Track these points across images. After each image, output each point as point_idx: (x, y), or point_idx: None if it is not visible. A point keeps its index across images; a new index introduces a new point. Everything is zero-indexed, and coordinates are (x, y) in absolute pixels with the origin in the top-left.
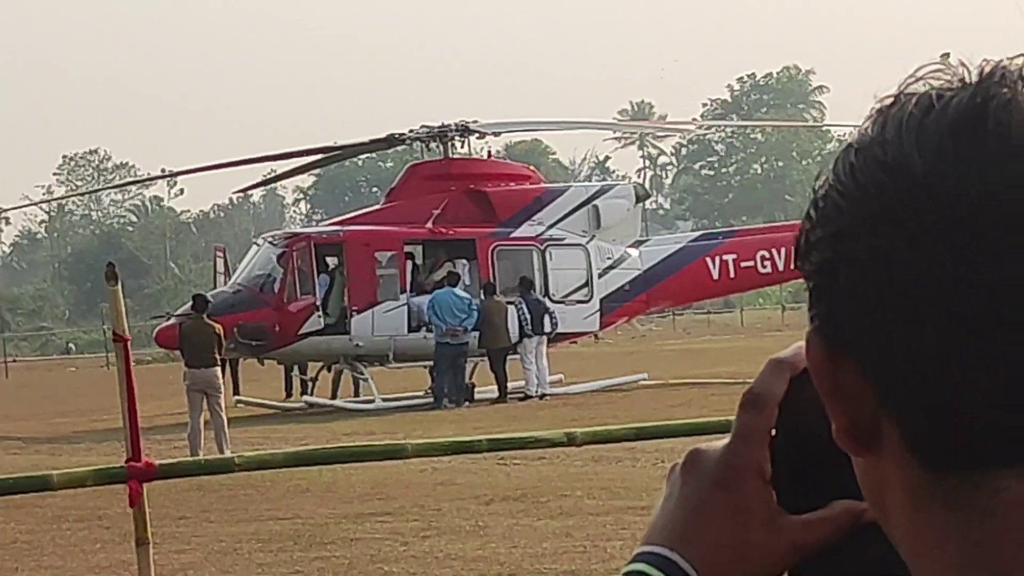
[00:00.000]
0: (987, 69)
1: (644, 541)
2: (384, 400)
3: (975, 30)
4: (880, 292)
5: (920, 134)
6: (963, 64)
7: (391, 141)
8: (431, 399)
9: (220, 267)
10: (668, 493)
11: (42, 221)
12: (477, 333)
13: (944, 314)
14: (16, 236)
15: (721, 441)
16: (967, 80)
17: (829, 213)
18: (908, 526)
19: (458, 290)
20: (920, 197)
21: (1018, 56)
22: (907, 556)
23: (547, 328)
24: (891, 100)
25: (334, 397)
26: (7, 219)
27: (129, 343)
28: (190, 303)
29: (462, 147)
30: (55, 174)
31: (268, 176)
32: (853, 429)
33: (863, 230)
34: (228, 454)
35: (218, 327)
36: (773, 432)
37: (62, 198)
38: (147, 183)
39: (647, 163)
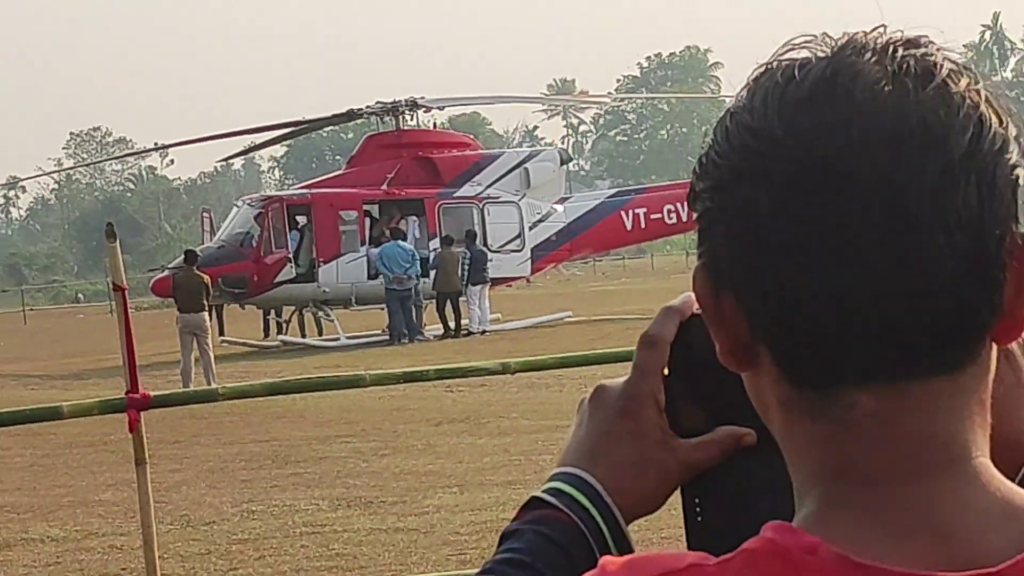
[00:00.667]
0: (842, 41)
1: (559, 463)
2: (347, 338)
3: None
4: (747, 236)
5: (781, 102)
6: (828, 36)
7: (351, 115)
8: (387, 337)
9: (207, 226)
10: (578, 422)
11: (53, 189)
12: (432, 277)
13: (796, 254)
14: (31, 202)
15: (622, 377)
16: (829, 51)
17: (709, 169)
18: (782, 431)
19: (403, 243)
20: (778, 157)
21: (877, 28)
22: (785, 455)
23: (487, 274)
24: (763, 69)
25: (304, 336)
26: (23, 187)
27: (127, 292)
28: (181, 257)
29: (411, 120)
30: (63, 148)
31: (247, 147)
32: (734, 350)
33: (734, 184)
34: (214, 386)
35: (206, 277)
36: (665, 369)
37: (70, 168)
38: (142, 155)
39: (569, 131)
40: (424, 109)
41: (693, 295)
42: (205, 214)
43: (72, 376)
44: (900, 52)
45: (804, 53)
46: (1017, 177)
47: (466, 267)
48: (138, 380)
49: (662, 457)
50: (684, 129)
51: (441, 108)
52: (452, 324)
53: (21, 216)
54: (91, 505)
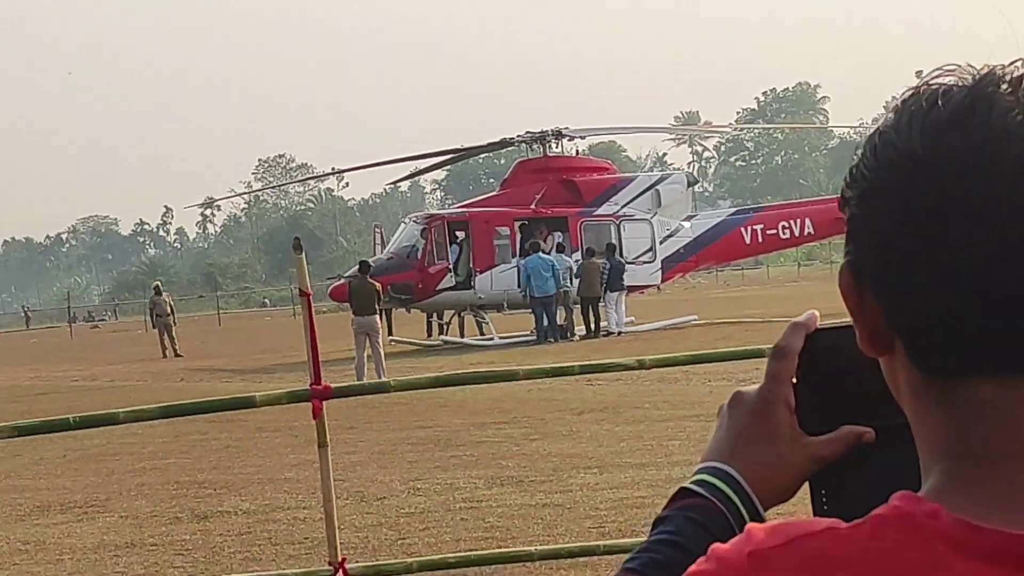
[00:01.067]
0: (983, 72)
1: (704, 459)
2: (500, 338)
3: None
4: (889, 240)
5: (924, 124)
6: (971, 66)
7: (504, 143)
8: (534, 337)
9: (378, 240)
10: (719, 424)
11: (243, 208)
12: (576, 285)
13: (932, 259)
14: (225, 219)
15: (755, 385)
16: (970, 80)
17: (858, 180)
18: (912, 411)
19: (543, 255)
20: (918, 174)
21: (1015, 62)
22: (914, 433)
23: (623, 282)
24: (911, 93)
25: (463, 336)
26: (219, 207)
27: (311, 297)
28: (356, 267)
29: (556, 147)
30: (253, 172)
31: (413, 172)
32: (872, 337)
33: (879, 194)
34: (385, 379)
35: (378, 285)
36: (794, 377)
37: (259, 190)
38: (321, 178)
39: (695, 157)
40: (568, 138)
41: (815, 312)
42: (376, 229)
43: (261, 371)
44: None
45: (949, 80)
46: None
47: (605, 276)
48: (320, 373)
49: (793, 453)
50: (796, 155)
51: (583, 137)
52: (593, 326)
53: (216, 231)
54: (278, 482)
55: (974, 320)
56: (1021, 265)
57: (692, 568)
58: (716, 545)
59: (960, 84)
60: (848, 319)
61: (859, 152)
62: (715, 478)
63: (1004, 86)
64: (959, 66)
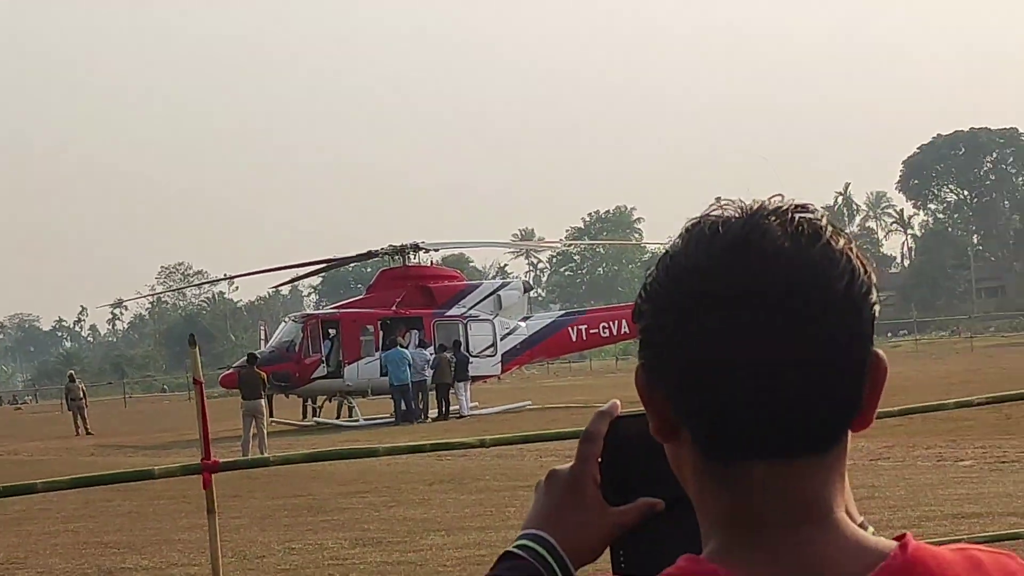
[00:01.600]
0: (754, 206)
1: (524, 527)
2: (365, 420)
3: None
4: (676, 346)
5: (709, 249)
6: (742, 200)
7: (369, 255)
8: (394, 419)
9: (262, 335)
10: (536, 498)
11: (147, 308)
12: (431, 374)
13: (712, 363)
14: (132, 318)
15: (567, 464)
16: (743, 211)
17: (651, 294)
18: (694, 488)
19: (402, 349)
20: (700, 290)
21: (773, 197)
22: (696, 507)
23: (469, 373)
24: (695, 222)
25: (337, 417)
26: (126, 306)
27: (203, 385)
28: (245, 358)
29: (414, 258)
30: (156, 277)
31: (292, 278)
32: (662, 428)
33: (670, 307)
34: (266, 454)
35: (263, 374)
36: (599, 457)
37: (160, 293)
38: (214, 283)
39: (531, 267)
40: (424, 250)
41: (616, 402)
42: (261, 326)
43: (160, 446)
44: (796, 216)
45: (727, 212)
46: (876, 312)
47: (453, 367)
48: (210, 450)
49: (598, 521)
50: (615, 267)
51: (437, 250)
52: (444, 409)
53: (124, 328)
54: (173, 543)
55: (748, 416)
56: (788, 367)
57: None
58: None
59: (736, 216)
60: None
61: (651, 270)
62: (534, 543)
63: (773, 217)
64: (732, 201)
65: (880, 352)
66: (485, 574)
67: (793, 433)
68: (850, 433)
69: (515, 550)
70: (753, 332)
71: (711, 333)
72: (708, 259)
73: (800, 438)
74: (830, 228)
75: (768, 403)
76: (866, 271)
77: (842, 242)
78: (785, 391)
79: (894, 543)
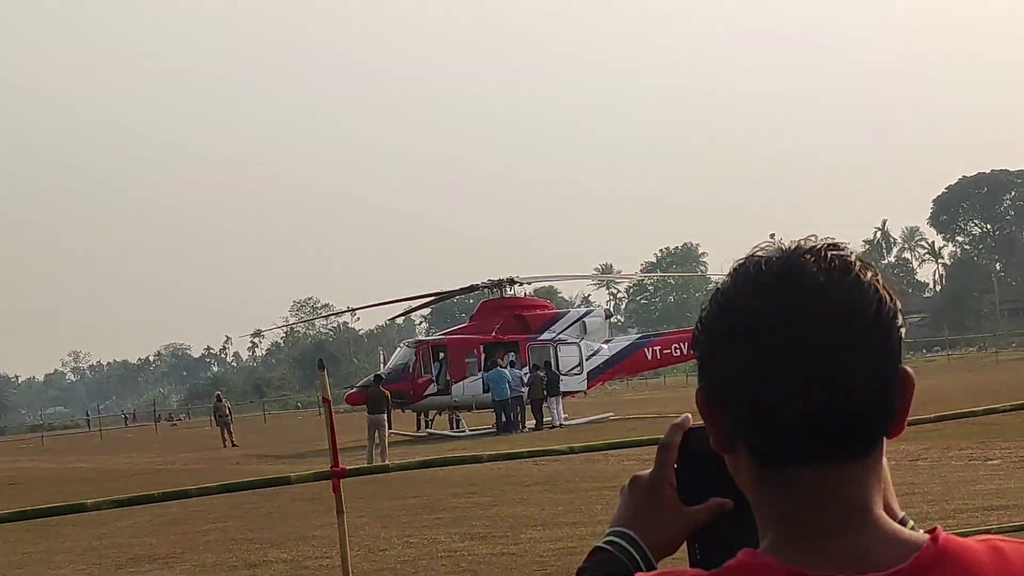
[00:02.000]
0: (792, 246)
1: (611, 525)
2: (471, 431)
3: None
4: (730, 370)
5: (754, 285)
6: (781, 242)
7: (472, 288)
8: (495, 430)
9: (381, 359)
10: (621, 500)
11: (282, 337)
12: (527, 391)
13: (762, 384)
14: (269, 346)
15: (647, 471)
16: (783, 251)
17: (706, 326)
18: (752, 494)
19: (502, 370)
20: (746, 322)
21: (807, 238)
22: (753, 509)
23: (560, 389)
24: (741, 262)
25: (451, 428)
26: (264, 336)
27: (331, 402)
28: (371, 378)
29: (510, 290)
30: (289, 311)
31: (406, 310)
32: (721, 442)
33: (722, 337)
34: (387, 462)
35: (386, 392)
36: (675, 464)
37: (293, 324)
38: (339, 315)
39: (611, 297)
40: (519, 283)
41: (688, 415)
42: (380, 352)
43: (295, 456)
44: (828, 253)
45: (768, 252)
46: (902, 334)
47: (546, 384)
48: (338, 458)
49: (675, 519)
50: (684, 295)
51: (529, 283)
52: (538, 421)
53: (262, 354)
54: (308, 539)
55: (794, 429)
56: (829, 386)
57: None
58: None
59: (776, 255)
60: None
61: (705, 305)
62: (620, 539)
63: (808, 255)
64: (772, 242)
65: (908, 368)
66: (579, 565)
67: (835, 442)
68: (885, 440)
69: (604, 545)
70: (795, 356)
71: (758, 359)
72: (753, 294)
73: (841, 446)
74: (859, 263)
75: (811, 417)
76: (891, 299)
77: (870, 274)
78: (826, 405)
79: (926, 536)
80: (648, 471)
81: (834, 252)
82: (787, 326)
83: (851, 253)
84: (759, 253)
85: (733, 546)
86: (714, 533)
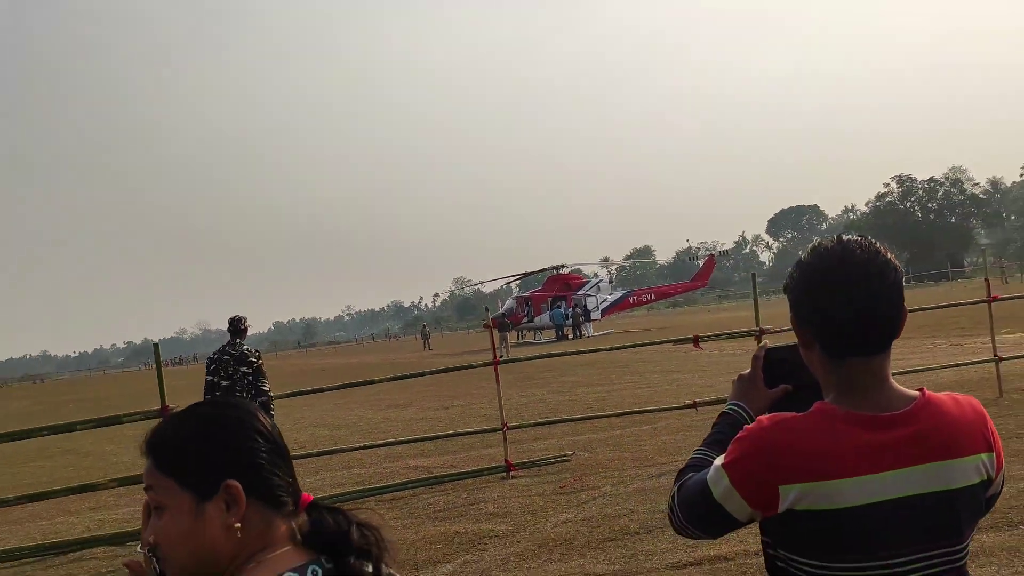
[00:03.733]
0: (844, 238)
1: (730, 400)
2: (545, 340)
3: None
4: (806, 305)
5: (821, 259)
6: (839, 236)
7: (542, 270)
8: (556, 339)
9: (499, 306)
10: (735, 386)
11: (447, 295)
12: (571, 320)
13: (828, 310)
14: (442, 300)
15: (748, 369)
16: (839, 240)
17: (795, 280)
18: (821, 373)
19: (559, 310)
20: (821, 278)
21: (850, 233)
22: (821, 383)
23: (589, 318)
24: (814, 245)
25: (534, 338)
26: (439, 294)
27: (491, 327)
28: (500, 313)
29: (561, 270)
30: (452, 282)
31: (508, 280)
32: (805, 343)
33: (804, 285)
34: (510, 356)
35: (508, 321)
36: (762, 367)
37: (454, 290)
38: (473, 284)
39: (608, 272)
40: (564, 267)
41: (767, 342)
42: (499, 302)
43: (467, 352)
44: (866, 242)
45: (827, 241)
46: (903, 286)
47: (582, 316)
48: (496, 356)
49: (762, 396)
50: (640, 273)
51: (567, 267)
52: (577, 334)
53: (437, 305)
54: (476, 395)
55: (848, 334)
56: (870, 312)
57: (739, 435)
58: (746, 427)
59: (834, 243)
60: (785, 341)
61: (791, 269)
62: (736, 407)
63: (854, 243)
64: (830, 237)
65: (905, 305)
66: (714, 422)
67: (871, 342)
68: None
69: (728, 411)
70: (849, 295)
71: (826, 297)
72: (822, 263)
73: (874, 345)
74: (883, 249)
75: (858, 328)
76: (898, 267)
77: (891, 256)
78: (868, 322)
79: (919, 392)
80: (747, 370)
81: (869, 242)
82: (843, 281)
83: (880, 244)
84: (825, 241)
85: (794, 409)
86: (782, 404)
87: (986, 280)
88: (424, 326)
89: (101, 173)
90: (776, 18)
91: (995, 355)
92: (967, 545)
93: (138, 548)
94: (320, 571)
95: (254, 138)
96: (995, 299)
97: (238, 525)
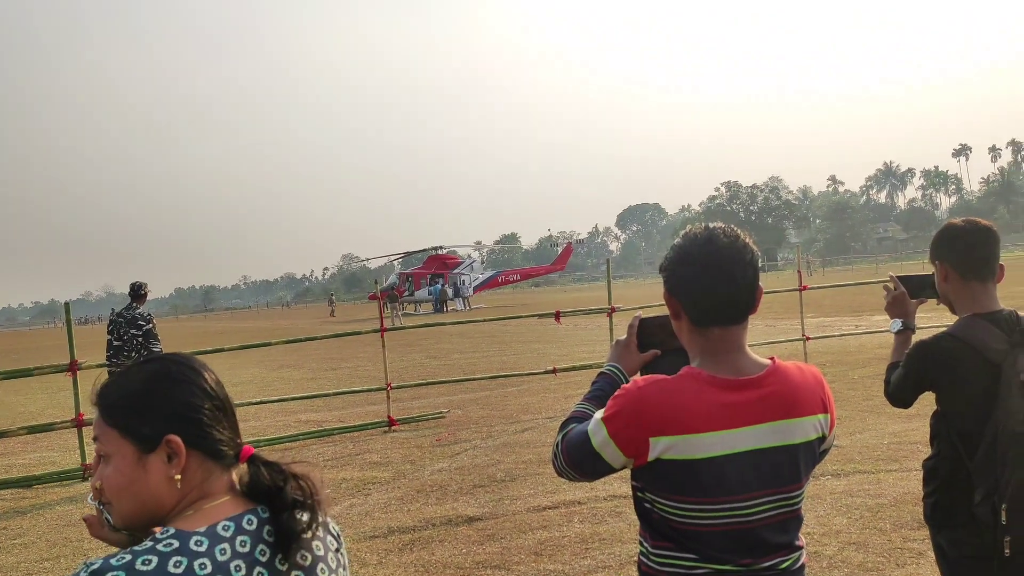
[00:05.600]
0: (711, 226)
1: (607, 361)
2: (422, 312)
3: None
4: (680, 280)
5: (692, 241)
6: (707, 224)
7: (423, 251)
8: (433, 311)
9: (383, 282)
10: (612, 349)
11: (337, 269)
12: (449, 292)
13: (694, 284)
14: (331, 274)
15: (623, 337)
16: (707, 228)
17: (669, 260)
18: (687, 341)
19: (437, 286)
20: (692, 257)
21: (717, 223)
22: (688, 350)
23: (462, 294)
24: (686, 231)
25: (414, 310)
26: (328, 269)
27: (379, 298)
28: (387, 286)
29: (439, 251)
30: (341, 258)
31: (394, 258)
32: (674, 312)
33: (677, 264)
34: (403, 325)
35: (394, 293)
36: (636, 333)
37: (342, 264)
38: (363, 261)
39: (480, 254)
40: (443, 248)
41: (641, 313)
42: (385, 277)
43: (357, 321)
44: (728, 229)
45: (697, 228)
46: (759, 267)
47: (455, 292)
48: (383, 323)
49: (636, 358)
50: (508, 256)
51: (445, 248)
52: (446, 308)
53: (328, 277)
54: (362, 358)
55: (712, 306)
56: (729, 286)
57: (617, 393)
58: (623, 385)
59: (702, 231)
60: (657, 312)
61: (668, 252)
62: (613, 367)
63: (719, 230)
64: (703, 224)
65: (761, 284)
66: (592, 380)
67: (731, 315)
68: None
69: (605, 371)
70: (713, 273)
71: (695, 274)
72: (692, 245)
73: (734, 317)
74: (742, 235)
75: (720, 303)
76: (756, 251)
77: (749, 241)
78: (728, 297)
79: (770, 360)
80: (624, 336)
81: (731, 228)
82: (709, 261)
83: (740, 231)
84: (695, 229)
85: (664, 371)
86: (653, 366)
87: (799, 272)
88: (331, 296)
89: (16, 136)
90: (626, 39)
91: (803, 335)
92: (804, 490)
93: (88, 500)
94: (256, 520)
95: (168, 113)
96: (805, 288)
97: (178, 477)
